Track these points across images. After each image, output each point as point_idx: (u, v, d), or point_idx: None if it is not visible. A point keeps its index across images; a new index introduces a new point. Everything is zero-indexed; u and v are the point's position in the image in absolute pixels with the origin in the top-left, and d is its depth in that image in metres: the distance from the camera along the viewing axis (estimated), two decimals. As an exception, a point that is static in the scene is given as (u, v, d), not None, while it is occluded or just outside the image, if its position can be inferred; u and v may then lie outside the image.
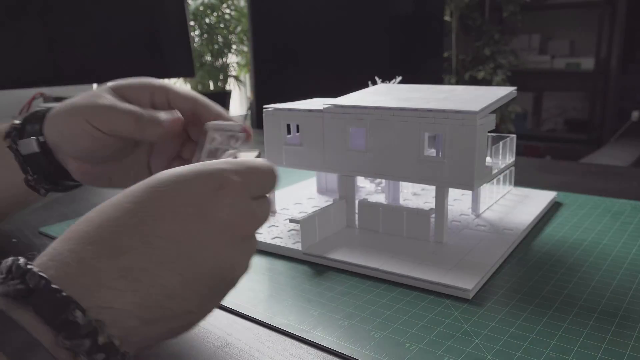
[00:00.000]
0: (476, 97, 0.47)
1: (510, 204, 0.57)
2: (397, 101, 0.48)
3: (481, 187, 0.53)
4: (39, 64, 0.98)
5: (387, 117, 0.46)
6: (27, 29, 0.94)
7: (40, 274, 0.23)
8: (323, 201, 0.60)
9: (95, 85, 1.28)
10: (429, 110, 0.44)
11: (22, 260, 0.24)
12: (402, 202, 0.58)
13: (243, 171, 0.30)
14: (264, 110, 0.54)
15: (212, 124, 0.41)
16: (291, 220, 0.47)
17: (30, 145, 0.43)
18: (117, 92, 0.43)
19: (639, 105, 3.07)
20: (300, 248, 0.46)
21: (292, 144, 0.53)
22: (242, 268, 0.30)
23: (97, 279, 0.24)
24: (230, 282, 0.29)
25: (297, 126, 0.53)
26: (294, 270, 0.44)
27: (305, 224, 0.46)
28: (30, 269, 0.23)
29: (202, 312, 0.28)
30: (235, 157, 0.39)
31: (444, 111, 0.43)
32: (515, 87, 0.52)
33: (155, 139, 0.41)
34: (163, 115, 0.41)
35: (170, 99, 0.44)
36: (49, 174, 0.45)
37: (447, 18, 3.14)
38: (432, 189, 0.62)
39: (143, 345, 0.26)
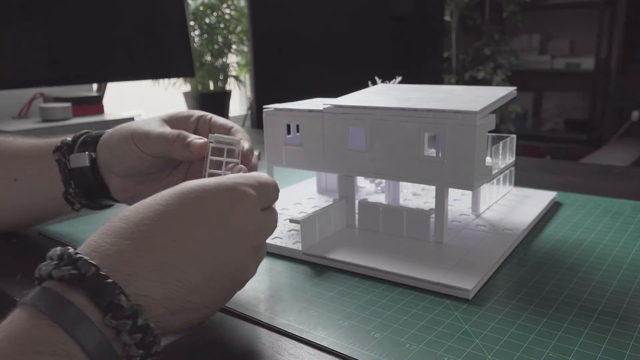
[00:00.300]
0: (476, 97, 0.47)
1: (510, 204, 0.57)
2: (397, 101, 0.48)
3: (481, 187, 0.53)
4: (39, 64, 0.98)
5: (387, 117, 0.46)
6: (27, 29, 0.94)
7: (91, 261, 0.26)
8: (323, 201, 0.60)
9: (95, 86, 1.28)
10: (428, 110, 0.44)
11: (71, 249, 0.27)
12: (402, 202, 0.58)
13: (256, 185, 0.34)
14: (264, 110, 0.54)
15: (214, 136, 0.44)
16: (291, 220, 0.47)
17: (82, 159, 0.48)
18: (167, 121, 0.49)
19: (639, 105, 3.07)
20: (300, 248, 0.46)
21: (292, 144, 0.53)
22: (251, 272, 0.34)
23: (134, 270, 0.27)
24: (239, 284, 0.33)
25: (297, 126, 0.53)
26: (294, 270, 0.44)
27: (305, 224, 0.46)
28: (81, 257, 0.26)
29: (216, 307, 0.32)
30: (241, 169, 0.42)
31: (443, 111, 0.43)
32: (515, 87, 0.52)
33: (184, 158, 0.45)
34: (193, 138, 0.45)
35: (211, 127, 0.50)
36: (89, 190, 0.49)
37: (447, 18, 3.14)
38: (432, 189, 0.62)
39: (164, 333, 0.28)
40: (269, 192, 0.36)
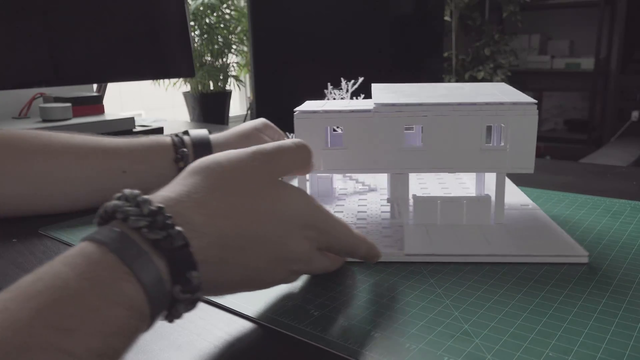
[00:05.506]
0: (502, 91, 0.51)
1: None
2: (433, 98, 0.49)
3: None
4: (39, 64, 0.98)
5: (447, 113, 0.47)
6: (27, 29, 0.94)
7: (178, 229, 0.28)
8: None
9: (95, 86, 1.28)
10: (486, 103, 0.47)
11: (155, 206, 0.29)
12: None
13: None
14: (296, 113, 0.50)
15: None
16: None
17: None
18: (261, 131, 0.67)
19: (639, 105, 3.07)
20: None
21: (333, 147, 0.50)
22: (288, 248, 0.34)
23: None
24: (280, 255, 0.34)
25: (333, 128, 0.53)
26: (294, 270, 0.44)
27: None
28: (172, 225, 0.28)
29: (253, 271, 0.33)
30: None
31: (502, 104, 0.47)
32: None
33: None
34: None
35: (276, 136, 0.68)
36: None
37: (447, 18, 3.14)
38: (433, 185, 0.62)
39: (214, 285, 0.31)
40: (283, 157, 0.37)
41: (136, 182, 0.59)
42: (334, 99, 0.60)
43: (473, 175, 0.64)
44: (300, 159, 0.37)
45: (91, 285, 0.24)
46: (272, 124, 0.70)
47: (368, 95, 0.58)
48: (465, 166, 0.49)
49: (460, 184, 0.64)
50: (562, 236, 0.47)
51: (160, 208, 0.28)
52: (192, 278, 0.28)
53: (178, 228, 0.28)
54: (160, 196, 0.31)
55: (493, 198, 0.50)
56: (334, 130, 0.56)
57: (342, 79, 0.61)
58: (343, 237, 0.38)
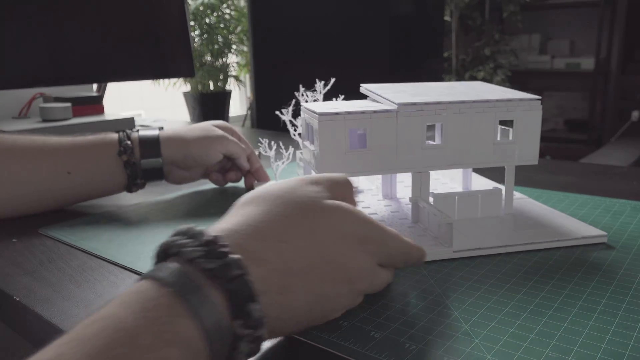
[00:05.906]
0: (503, 90, 0.54)
1: None
2: (445, 96, 0.50)
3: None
4: (39, 64, 0.98)
5: (464, 110, 0.48)
6: (27, 29, 0.94)
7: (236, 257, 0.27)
8: None
9: (95, 86, 1.28)
10: (498, 100, 0.49)
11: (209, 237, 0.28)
12: (398, 195, 0.59)
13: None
14: (319, 116, 0.47)
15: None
16: None
17: (156, 162, 0.60)
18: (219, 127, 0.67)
19: (639, 105, 3.07)
20: None
21: (356, 149, 0.48)
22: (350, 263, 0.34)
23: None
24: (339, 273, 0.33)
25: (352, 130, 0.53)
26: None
27: None
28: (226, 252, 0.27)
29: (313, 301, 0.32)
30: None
31: (511, 100, 0.49)
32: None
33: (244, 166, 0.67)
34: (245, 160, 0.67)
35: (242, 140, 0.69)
36: (149, 178, 0.62)
37: (447, 18, 3.14)
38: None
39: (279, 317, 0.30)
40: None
41: (82, 181, 0.59)
42: (306, 100, 0.59)
43: (447, 173, 0.66)
44: (347, 191, 0.37)
45: (146, 324, 0.23)
46: (233, 128, 0.69)
47: (348, 97, 0.58)
48: (479, 161, 0.51)
49: (443, 184, 0.64)
50: (574, 220, 0.51)
51: (215, 237, 0.27)
52: (253, 310, 0.26)
53: (234, 256, 0.27)
54: (216, 228, 0.30)
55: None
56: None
57: (316, 79, 0.61)
58: (398, 247, 0.37)
